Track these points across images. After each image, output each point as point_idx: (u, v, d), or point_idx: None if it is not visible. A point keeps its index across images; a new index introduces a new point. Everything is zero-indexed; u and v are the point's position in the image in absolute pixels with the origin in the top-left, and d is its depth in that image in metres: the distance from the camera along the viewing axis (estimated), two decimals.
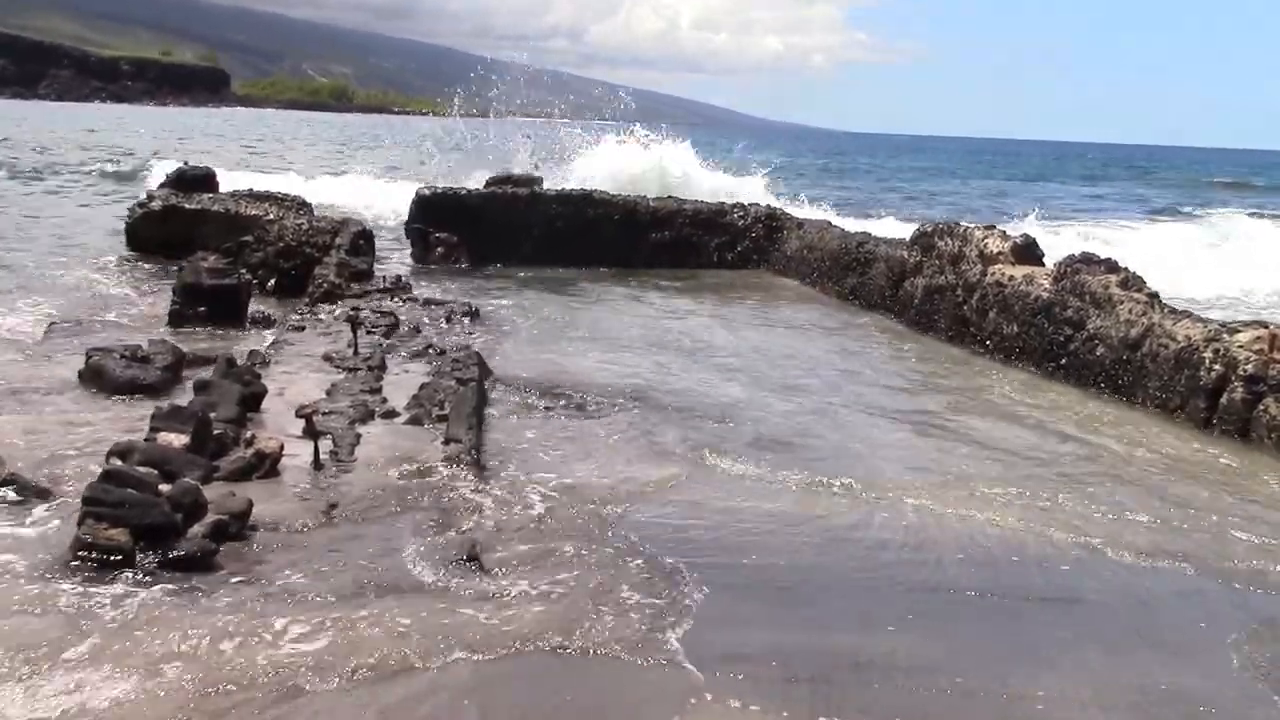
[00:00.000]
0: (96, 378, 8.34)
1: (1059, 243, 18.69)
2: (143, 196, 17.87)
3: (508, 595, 5.10)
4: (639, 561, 5.70)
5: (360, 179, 29.33)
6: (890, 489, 7.23)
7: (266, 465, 6.33)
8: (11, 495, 5.64)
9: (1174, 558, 6.32)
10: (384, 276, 13.52)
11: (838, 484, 7.26)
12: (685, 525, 6.40)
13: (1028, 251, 13.01)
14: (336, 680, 4.22)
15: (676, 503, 6.81)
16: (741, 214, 20.67)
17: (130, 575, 4.88)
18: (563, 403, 8.92)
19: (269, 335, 10.68)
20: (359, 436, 7.12)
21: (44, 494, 5.71)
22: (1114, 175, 65.30)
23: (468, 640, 4.60)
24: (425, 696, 4.20)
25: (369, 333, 10.17)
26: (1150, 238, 26.62)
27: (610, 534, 6.08)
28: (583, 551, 5.75)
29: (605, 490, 6.84)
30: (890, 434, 8.82)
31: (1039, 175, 65.34)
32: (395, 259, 18.14)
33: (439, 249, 18.53)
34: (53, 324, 10.79)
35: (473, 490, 6.37)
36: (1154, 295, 10.85)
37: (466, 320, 11.80)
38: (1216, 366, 9.25)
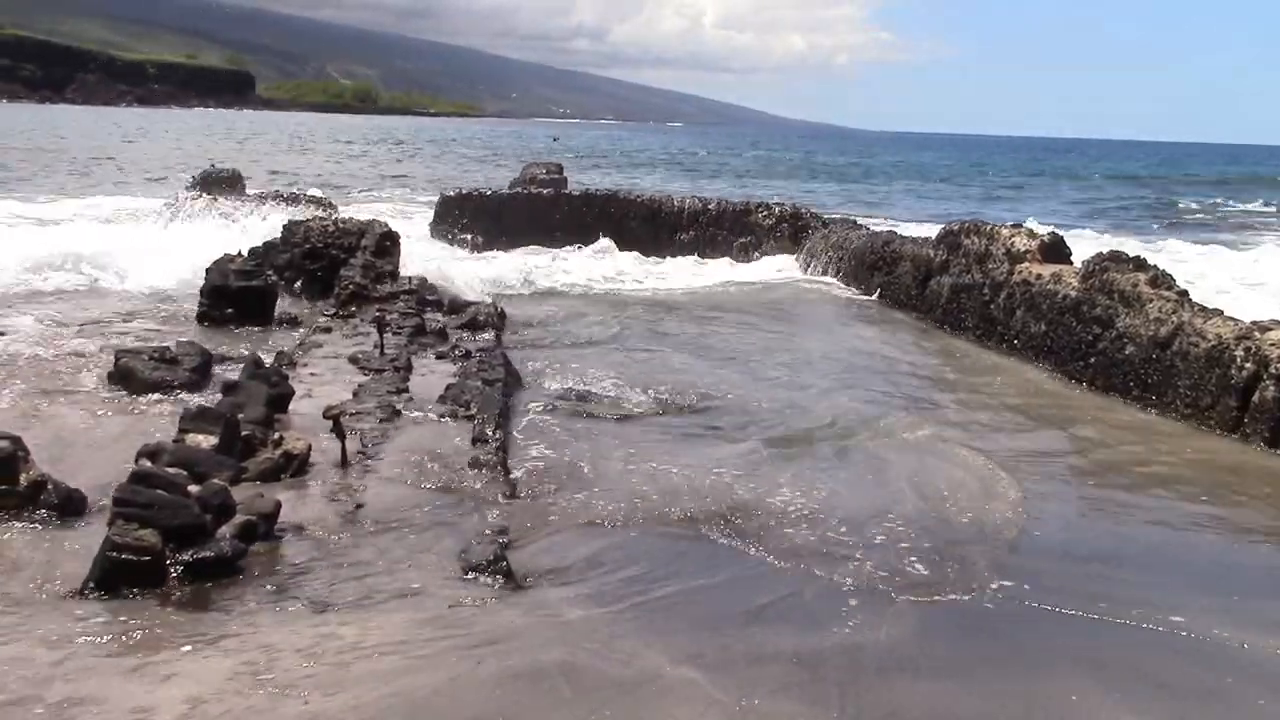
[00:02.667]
0: (126, 379, 8.38)
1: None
2: (170, 199, 18.04)
3: (534, 601, 5.10)
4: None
5: None
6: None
7: (294, 466, 6.34)
8: (42, 498, 5.66)
9: None
10: (410, 277, 13.53)
11: None
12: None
13: (1055, 250, 12.91)
14: (351, 690, 4.18)
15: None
16: (766, 213, 20.66)
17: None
18: (589, 402, 8.91)
19: (296, 336, 10.71)
20: (386, 437, 7.13)
21: (74, 495, 5.73)
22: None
23: (492, 648, 4.59)
24: (448, 712, 4.19)
25: (395, 334, 10.19)
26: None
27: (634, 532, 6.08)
28: (602, 554, 5.76)
29: (633, 489, 6.83)
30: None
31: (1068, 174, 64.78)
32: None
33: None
34: (82, 325, 10.87)
35: (499, 492, 6.35)
36: (1183, 293, 10.73)
37: (493, 320, 11.81)
38: (1248, 365, 9.13)
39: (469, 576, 5.18)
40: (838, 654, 4.81)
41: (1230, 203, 45.20)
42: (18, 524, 5.47)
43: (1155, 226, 32.50)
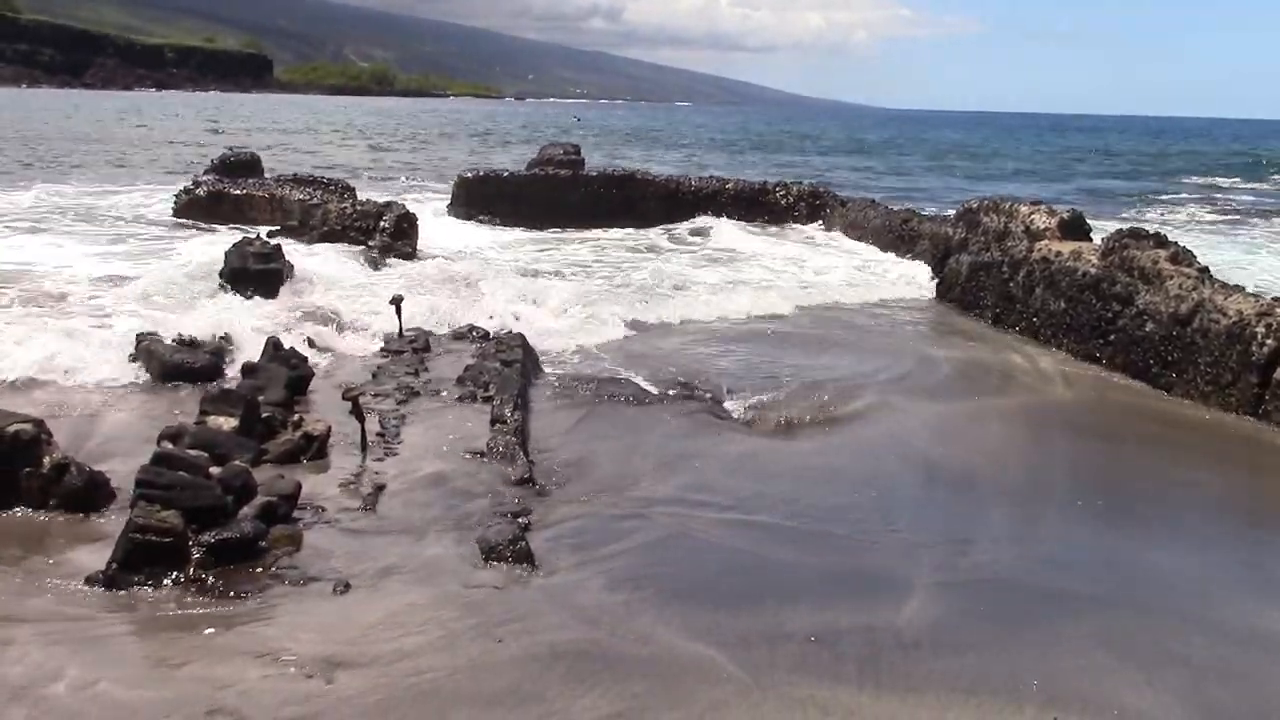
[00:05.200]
0: (147, 362, 8.43)
1: None
2: (189, 183, 18.10)
3: (552, 582, 5.12)
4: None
5: None
6: None
7: (314, 448, 6.38)
8: (65, 480, 5.70)
9: None
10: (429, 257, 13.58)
11: None
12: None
13: (1074, 227, 12.83)
14: (371, 669, 4.22)
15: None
16: (784, 192, 20.60)
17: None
18: (608, 384, 8.92)
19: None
20: (404, 418, 7.17)
21: (96, 478, 5.77)
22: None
23: (511, 628, 4.61)
24: (468, 692, 4.22)
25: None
26: None
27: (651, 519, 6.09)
28: (619, 535, 5.78)
29: (649, 472, 6.84)
30: None
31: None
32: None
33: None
34: (102, 307, 10.90)
35: (517, 474, 6.36)
36: (1204, 270, 10.65)
37: (510, 301, 11.82)
38: (1269, 341, 9.07)
39: (488, 559, 5.20)
40: (855, 632, 4.82)
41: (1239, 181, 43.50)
42: (41, 506, 5.52)
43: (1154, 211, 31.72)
